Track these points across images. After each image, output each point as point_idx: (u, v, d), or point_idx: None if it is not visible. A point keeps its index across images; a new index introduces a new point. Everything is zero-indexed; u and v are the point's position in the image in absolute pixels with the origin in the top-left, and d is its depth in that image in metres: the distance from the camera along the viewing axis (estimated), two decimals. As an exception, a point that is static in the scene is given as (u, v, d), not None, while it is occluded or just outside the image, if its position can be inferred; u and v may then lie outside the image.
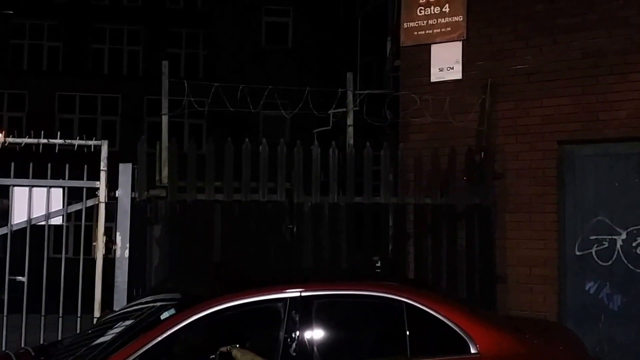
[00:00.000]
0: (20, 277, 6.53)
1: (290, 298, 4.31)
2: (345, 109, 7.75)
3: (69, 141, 6.62)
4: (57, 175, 6.54)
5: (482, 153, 7.33)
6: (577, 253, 7.14)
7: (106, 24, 24.72)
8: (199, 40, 25.32)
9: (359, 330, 4.50)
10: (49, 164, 6.51)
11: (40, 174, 6.53)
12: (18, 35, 24.43)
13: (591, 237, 7.10)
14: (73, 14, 24.34)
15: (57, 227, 7.16)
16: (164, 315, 4.40)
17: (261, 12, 24.80)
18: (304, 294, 4.34)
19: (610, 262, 6.99)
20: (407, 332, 4.36)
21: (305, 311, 4.28)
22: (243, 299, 4.33)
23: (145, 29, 24.80)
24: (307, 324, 4.25)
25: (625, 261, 6.92)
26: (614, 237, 7.00)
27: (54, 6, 24.45)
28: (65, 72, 24.32)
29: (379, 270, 7.16)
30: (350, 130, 7.43)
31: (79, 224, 6.79)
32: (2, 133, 6.62)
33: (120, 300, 6.43)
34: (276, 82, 8.12)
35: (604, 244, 7.03)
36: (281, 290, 4.37)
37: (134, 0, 25.10)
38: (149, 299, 4.98)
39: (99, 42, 24.75)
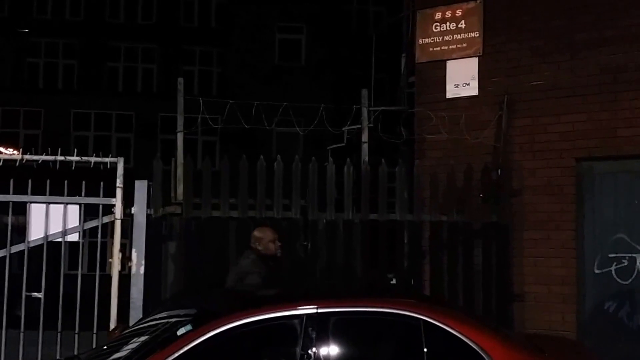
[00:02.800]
0: (35, 293, 6.54)
1: (307, 315, 4.27)
2: (359, 126, 7.73)
3: (86, 158, 6.65)
4: (72, 192, 6.56)
5: (499, 170, 7.28)
6: (596, 271, 7.05)
7: (121, 42, 24.91)
8: (212, 58, 25.46)
9: (376, 347, 4.44)
10: (66, 181, 6.53)
11: (56, 191, 6.55)
12: (34, 53, 24.67)
13: (610, 255, 7.00)
14: (88, 32, 24.55)
15: (72, 244, 7.16)
16: (181, 331, 4.38)
17: (274, 29, 24.93)
18: (320, 310, 4.30)
19: (629, 281, 6.90)
20: (425, 350, 4.29)
21: (322, 328, 4.24)
22: (260, 315, 4.30)
23: (159, 47, 24.98)
24: (323, 340, 4.21)
25: (646, 280, 6.83)
26: (633, 255, 6.91)
27: (69, 25, 24.70)
28: (81, 90, 24.51)
29: (394, 288, 7.09)
30: (365, 147, 7.41)
31: (93, 241, 6.78)
32: (18, 151, 6.65)
33: (135, 316, 6.40)
34: (289, 99, 8.14)
35: (624, 262, 6.94)
36: (298, 307, 4.33)
37: (149, 18, 25.30)
38: (164, 314, 4.95)
39: (114, 60, 24.94)
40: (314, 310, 4.29)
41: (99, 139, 23.96)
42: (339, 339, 4.28)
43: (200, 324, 4.30)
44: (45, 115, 24.16)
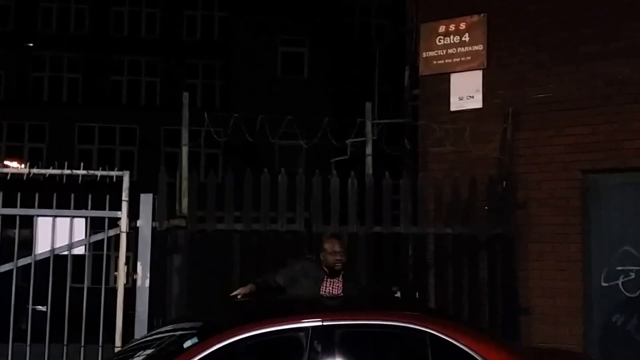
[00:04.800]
0: (40, 307, 6.53)
1: (312, 327, 4.25)
2: (363, 139, 7.73)
3: (92, 172, 6.67)
4: (78, 205, 6.58)
5: (504, 182, 7.27)
6: (603, 284, 7.02)
7: (124, 56, 25.05)
8: (215, 71, 25.57)
9: (381, 360, 4.41)
10: (72, 195, 6.55)
11: (63, 205, 6.56)
12: (38, 67, 24.81)
13: (617, 268, 6.97)
14: (92, 46, 24.70)
15: (78, 257, 7.17)
16: (187, 344, 4.37)
17: (277, 42, 25.02)
18: (325, 323, 4.28)
19: (637, 294, 6.86)
20: (431, 363, 4.27)
21: (327, 341, 4.22)
22: (265, 327, 4.28)
23: (162, 60, 25.11)
24: (329, 353, 4.19)
25: (653, 292, 6.80)
26: (640, 267, 6.88)
27: (73, 39, 24.85)
28: (85, 103, 24.63)
29: (400, 300, 7.06)
30: (369, 160, 7.40)
31: (98, 254, 6.78)
32: (25, 165, 6.67)
33: (141, 329, 6.41)
34: (292, 111, 8.16)
35: (631, 275, 6.91)
36: (303, 320, 4.32)
37: (152, 32, 25.44)
38: (170, 327, 4.96)
39: (118, 73, 25.07)
40: (320, 323, 4.28)
41: (103, 152, 24.03)
42: (345, 352, 4.26)
43: (206, 337, 4.29)
44: (50, 128, 24.25)
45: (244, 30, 25.01)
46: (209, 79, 25.50)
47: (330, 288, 5.70)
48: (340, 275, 5.73)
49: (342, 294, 5.70)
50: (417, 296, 7.06)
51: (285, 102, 22.85)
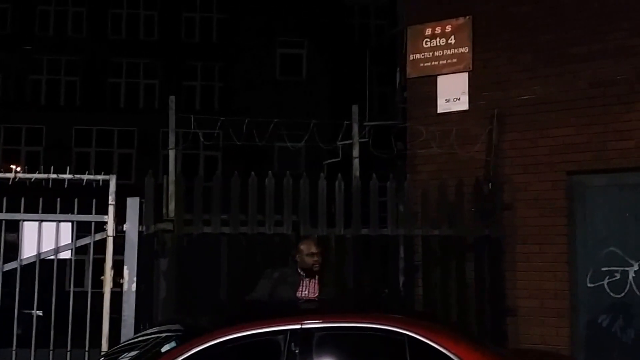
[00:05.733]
0: (28, 311, 6.55)
1: (291, 330, 4.28)
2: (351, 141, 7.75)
3: (78, 176, 6.68)
4: (68, 209, 6.60)
5: (490, 184, 7.29)
6: (589, 285, 7.03)
7: (123, 58, 25.07)
8: (214, 73, 25.58)
9: (360, 363, 4.44)
10: (58, 199, 6.58)
11: (51, 209, 6.59)
12: (36, 70, 24.84)
13: (603, 269, 6.99)
14: (90, 49, 24.72)
15: (65, 261, 7.20)
16: (165, 348, 4.41)
17: (275, 44, 25.03)
18: (304, 326, 4.30)
19: (622, 294, 6.88)
20: (409, 366, 4.29)
21: (306, 344, 4.24)
22: (244, 331, 4.31)
23: (161, 62, 25.12)
24: (307, 356, 4.21)
25: (638, 293, 6.80)
26: (626, 268, 6.89)
27: (71, 41, 24.88)
28: (82, 106, 24.65)
29: (384, 303, 7.09)
30: (356, 162, 7.42)
31: (84, 259, 6.80)
32: (14, 169, 6.71)
33: (127, 334, 6.40)
34: (291, 113, 8.19)
35: (616, 276, 6.92)
36: (282, 323, 4.34)
37: (151, 34, 25.46)
38: (154, 330, 5.00)
39: (116, 76, 25.09)
40: (298, 326, 4.30)
41: (101, 155, 24.06)
42: (323, 355, 4.29)
43: (184, 341, 4.33)
44: (47, 131, 24.28)
45: (242, 32, 25.03)
46: (208, 81, 25.51)
47: (307, 290, 5.74)
48: (316, 278, 5.78)
49: (318, 296, 5.75)
50: (402, 298, 7.06)
51: (285, 104, 22.87)
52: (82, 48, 24.72)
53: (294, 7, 24.48)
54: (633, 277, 6.84)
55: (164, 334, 4.71)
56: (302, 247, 5.88)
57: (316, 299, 5.73)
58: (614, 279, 6.92)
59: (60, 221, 6.61)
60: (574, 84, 7.18)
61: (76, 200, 6.50)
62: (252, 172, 6.81)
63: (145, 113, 24.34)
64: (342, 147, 8.72)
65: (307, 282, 5.78)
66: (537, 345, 6.90)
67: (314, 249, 5.82)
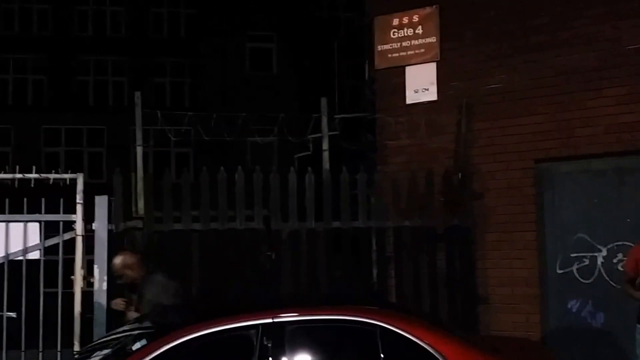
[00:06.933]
0: (10, 313, 6.48)
1: (263, 325, 4.28)
2: (320, 134, 7.75)
3: (45, 175, 6.62)
4: (36, 209, 6.53)
5: (460, 173, 7.33)
6: (559, 271, 7.11)
7: (90, 56, 24.76)
8: (183, 68, 25.40)
9: (332, 355, 4.44)
10: (25, 199, 6.50)
11: (18, 209, 6.50)
12: (2, 70, 24.42)
13: (572, 255, 7.07)
14: (57, 47, 24.38)
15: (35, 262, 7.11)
16: (137, 346, 4.38)
17: (244, 38, 24.91)
18: (276, 320, 4.31)
19: (591, 280, 6.96)
20: (382, 356, 4.30)
21: (278, 338, 4.25)
22: (215, 327, 4.30)
23: (129, 59, 24.86)
24: (279, 350, 4.22)
25: (607, 278, 6.88)
26: (594, 254, 6.97)
27: (37, 40, 24.50)
28: (51, 106, 24.30)
29: (357, 295, 7.10)
30: (326, 155, 7.43)
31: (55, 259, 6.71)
32: None
33: (99, 333, 6.35)
34: (261, 107, 8.15)
35: (585, 262, 7.00)
36: (253, 317, 4.34)
37: (118, 31, 25.17)
38: (126, 328, 4.97)
39: (84, 74, 24.77)
40: (270, 320, 4.30)
41: (71, 154, 23.75)
42: (296, 348, 4.29)
43: (155, 339, 4.30)
44: (15, 132, 23.89)
45: (211, 27, 24.86)
46: (178, 77, 25.32)
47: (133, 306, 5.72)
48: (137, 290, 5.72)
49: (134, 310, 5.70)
50: (375, 289, 7.09)
51: (255, 99, 22.77)
52: (48, 46, 24.37)
53: (262, 1, 24.39)
54: (602, 263, 6.93)
55: (135, 332, 4.67)
56: (119, 260, 5.80)
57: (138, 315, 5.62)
58: (583, 264, 7.00)
59: (27, 221, 6.56)
60: (541, 72, 7.24)
61: (43, 200, 6.43)
62: (222, 168, 6.78)
63: (115, 111, 24.06)
64: (313, 141, 8.72)
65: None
66: (509, 332, 6.96)
67: (128, 261, 5.79)
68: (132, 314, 5.66)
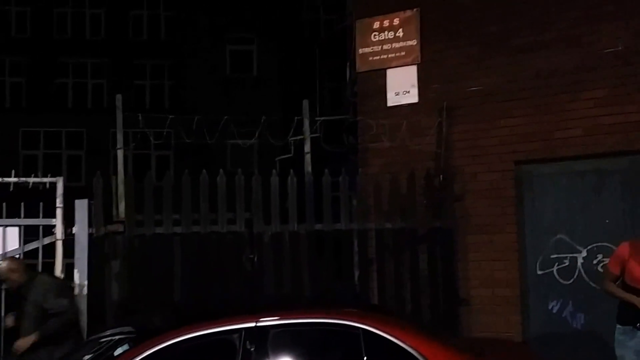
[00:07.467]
0: None
1: (245, 329, 4.27)
2: (302, 137, 7.75)
3: (24, 179, 6.57)
4: (16, 214, 6.47)
5: (441, 176, 7.36)
6: (539, 272, 7.16)
7: (69, 58, 24.56)
8: (164, 70, 25.27)
9: (315, 358, 4.44)
10: (4, 203, 6.44)
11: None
12: (-21, 72, 24.18)
13: (552, 256, 7.12)
14: (35, 49, 24.16)
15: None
16: (118, 351, 4.35)
17: (225, 40, 24.85)
18: (259, 324, 4.30)
19: (571, 281, 7.02)
20: (365, 359, 4.31)
21: (261, 342, 4.24)
22: (197, 331, 4.29)
23: (109, 61, 24.69)
24: (262, 354, 4.21)
25: (587, 279, 6.94)
26: (574, 255, 7.03)
27: (15, 42, 24.26)
28: (29, 108, 24.06)
29: (340, 298, 7.11)
30: (308, 157, 7.43)
31: (46, 262, 6.66)
32: None
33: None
34: (242, 110, 8.12)
35: (565, 263, 7.06)
36: (236, 322, 4.33)
37: (97, 33, 25.00)
38: (107, 333, 4.92)
39: (63, 76, 24.56)
40: (253, 324, 4.29)
41: (49, 157, 23.53)
42: (279, 352, 4.29)
43: (136, 344, 4.27)
44: (-7, 135, 23.67)
45: (191, 29, 24.78)
46: (158, 79, 25.18)
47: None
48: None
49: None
50: (357, 292, 7.09)
51: (236, 101, 22.72)
52: (26, 48, 24.14)
53: (242, 3, 24.34)
54: (581, 264, 6.99)
55: (116, 337, 4.63)
56: (5, 265, 5.87)
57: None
58: (563, 265, 7.06)
59: (6, 226, 6.51)
60: (521, 74, 7.29)
61: (22, 204, 6.37)
62: (204, 170, 6.75)
63: (94, 113, 23.89)
64: (294, 143, 8.71)
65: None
66: (490, 333, 6.99)
67: (14, 265, 5.88)
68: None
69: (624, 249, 5.31)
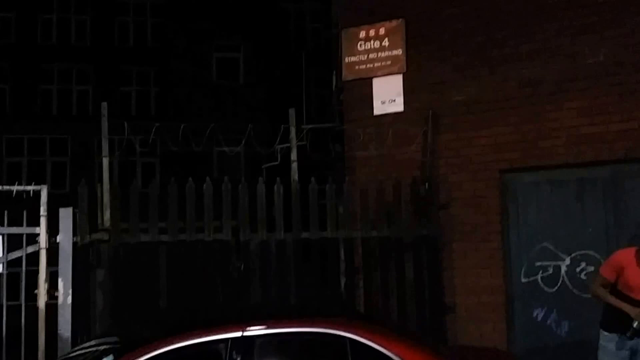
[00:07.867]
0: None
1: (232, 339, 4.26)
2: (288, 144, 7.76)
3: (7, 187, 6.51)
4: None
5: (427, 184, 7.40)
6: (523, 280, 7.21)
7: (54, 64, 24.46)
8: (149, 77, 25.22)
9: (302, 368, 4.45)
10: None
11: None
12: (-37, 78, 24.03)
13: (536, 264, 7.18)
14: (20, 55, 24.04)
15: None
16: (104, 361, 4.33)
17: (212, 48, 24.85)
18: (245, 333, 4.30)
19: (555, 288, 7.07)
20: (352, 368, 4.32)
21: (247, 352, 4.24)
22: (183, 341, 4.27)
23: (94, 68, 24.62)
24: None
25: (571, 286, 7.01)
26: (558, 262, 7.09)
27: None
28: (13, 114, 23.93)
29: (326, 307, 7.11)
30: (295, 165, 7.43)
31: (29, 270, 6.62)
32: None
33: (64, 348, 6.25)
34: (228, 117, 8.11)
35: (549, 270, 7.12)
36: (222, 331, 4.32)
37: (82, 39, 24.92)
38: (92, 343, 4.91)
39: (47, 82, 24.46)
40: (239, 334, 4.29)
41: (33, 164, 23.40)
42: (266, 362, 4.29)
43: (122, 354, 4.25)
44: (-23, 142, 23.51)
45: (178, 35, 24.77)
46: (144, 86, 25.12)
47: None
48: None
49: None
50: (342, 300, 7.10)
51: (222, 108, 22.72)
52: (10, 54, 24.01)
53: (229, 11, 24.37)
54: (565, 271, 7.05)
55: (102, 347, 4.62)
56: None
57: None
58: (547, 273, 7.12)
59: (-11, 234, 6.44)
60: (505, 84, 7.36)
61: (6, 212, 6.33)
62: (190, 178, 6.74)
63: (79, 120, 23.81)
64: (281, 151, 8.72)
65: None
66: (475, 341, 7.03)
67: None
68: None
69: (623, 256, 5.28)
